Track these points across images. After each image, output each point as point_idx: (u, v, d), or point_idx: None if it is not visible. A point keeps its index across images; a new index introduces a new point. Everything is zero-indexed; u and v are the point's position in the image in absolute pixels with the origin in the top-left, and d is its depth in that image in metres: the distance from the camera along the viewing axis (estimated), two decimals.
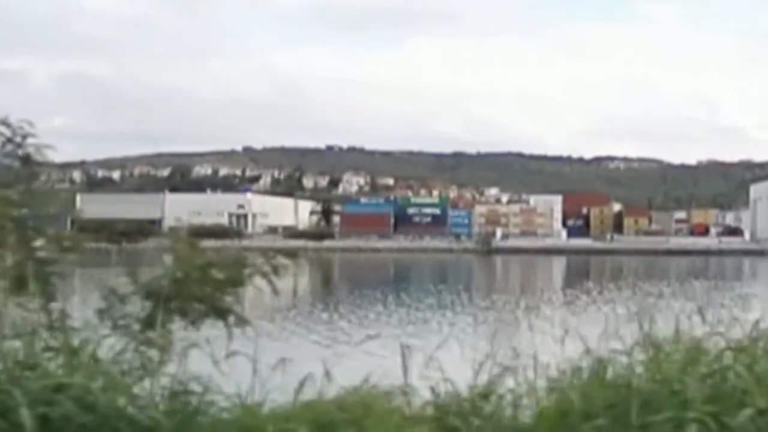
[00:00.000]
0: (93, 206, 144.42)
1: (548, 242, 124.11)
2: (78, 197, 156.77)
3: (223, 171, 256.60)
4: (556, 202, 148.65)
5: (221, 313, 5.29)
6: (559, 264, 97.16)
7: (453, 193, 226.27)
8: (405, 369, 4.26)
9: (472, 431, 3.58)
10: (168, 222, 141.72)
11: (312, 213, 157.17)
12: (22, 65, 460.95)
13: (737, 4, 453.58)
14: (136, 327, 4.94)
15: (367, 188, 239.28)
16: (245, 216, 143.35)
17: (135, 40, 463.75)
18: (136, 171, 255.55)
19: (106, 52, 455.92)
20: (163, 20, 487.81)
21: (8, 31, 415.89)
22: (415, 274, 72.26)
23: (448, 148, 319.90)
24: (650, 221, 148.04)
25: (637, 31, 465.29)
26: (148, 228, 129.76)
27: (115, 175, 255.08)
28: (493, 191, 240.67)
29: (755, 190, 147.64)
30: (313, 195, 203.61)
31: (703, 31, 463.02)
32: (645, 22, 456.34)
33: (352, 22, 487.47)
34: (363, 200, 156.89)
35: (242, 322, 5.33)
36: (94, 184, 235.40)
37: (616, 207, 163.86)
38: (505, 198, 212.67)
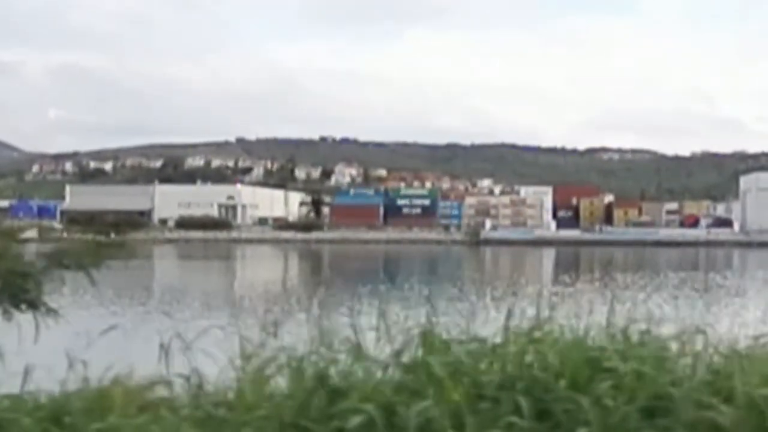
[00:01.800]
0: (83, 198, 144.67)
1: (537, 233, 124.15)
2: (68, 189, 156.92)
3: (216, 162, 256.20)
4: (546, 193, 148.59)
5: (30, 304, 5.32)
6: (546, 256, 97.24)
7: (446, 184, 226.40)
8: (166, 358, 4.22)
9: (179, 419, 3.56)
10: (158, 213, 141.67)
11: (302, 204, 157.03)
12: (17, 57, 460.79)
13: (736, 1, 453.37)
14: None
15: (359, 180, 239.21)
16: (235, 207, 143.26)
17: (130, 32, 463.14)
18: (129, 162, 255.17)
19: (101, 44, 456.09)
20: (158, 12, 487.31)
21: (3, 23, 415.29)
22: (393, 265, 72.23)
23: (442, 140, 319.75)
24: (640, 212, 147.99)
25: (637, 25, 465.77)
26: (137, 219, 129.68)
27: (108, 166, 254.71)
28: (486, 183, 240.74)
29: (745, 181, 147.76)
30: (306, 186, 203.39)
31: (702, 25, 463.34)
32: (645, 16, 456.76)
33: (349, 14, 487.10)
34: (352, 191, 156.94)
35: (51, 312, 5.38)
36: (87, 176, 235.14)
37: (609, 198, 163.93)
38: (498, 189, 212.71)
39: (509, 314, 4.23)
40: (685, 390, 3.40)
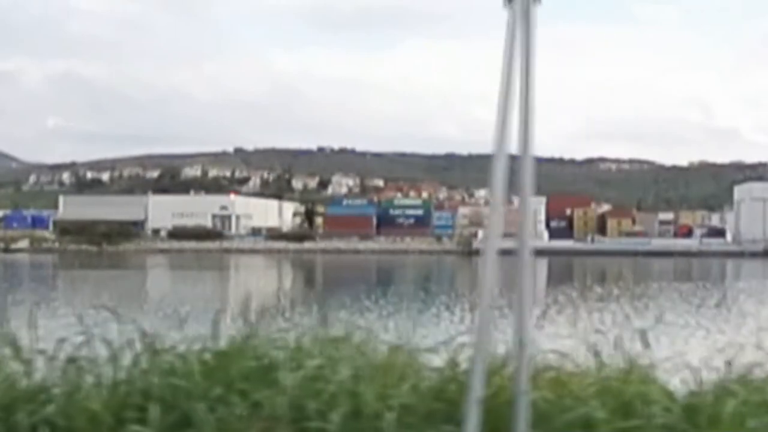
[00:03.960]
0: (77, 208, 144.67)
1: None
2: (61, 199, 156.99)
3: (213, 172, 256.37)
4: (540, 203, 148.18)
5: None
6: (537, 266, 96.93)
7: (443, 194, 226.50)
8: None
9: None
10: (152, 223, 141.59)
11: (295, 214, 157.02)
12: (15, 66, 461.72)
13: (732, 9, 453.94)
14: None
15: (357, 190, 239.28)
16: (228, 218, 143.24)
17: (129, 41, 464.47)
18: (126, 172, 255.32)
19: (99, 52, 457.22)
20: (157, 21, 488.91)
21: (1, 32, 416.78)
22: (378, 276, 72.04)
23: (440, 150, 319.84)
24: (634, 222, 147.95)
25: (633, 33, 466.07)
26: (129, 230, 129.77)
27: (105, 176, 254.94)
28: (483, 193, 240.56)
29: (739, 191, 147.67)
30: (302, 197, 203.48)
31: (698, 34, 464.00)
32: (641, 24, 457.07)
33: (346, 23, 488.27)
34: (346, 202, 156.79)
35: None
36: (84, 186, 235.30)
37: (605, 208, 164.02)
38: None
39: (215, 325, 4.29)
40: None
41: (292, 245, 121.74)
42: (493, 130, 3.89)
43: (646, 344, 4.20)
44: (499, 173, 3.86)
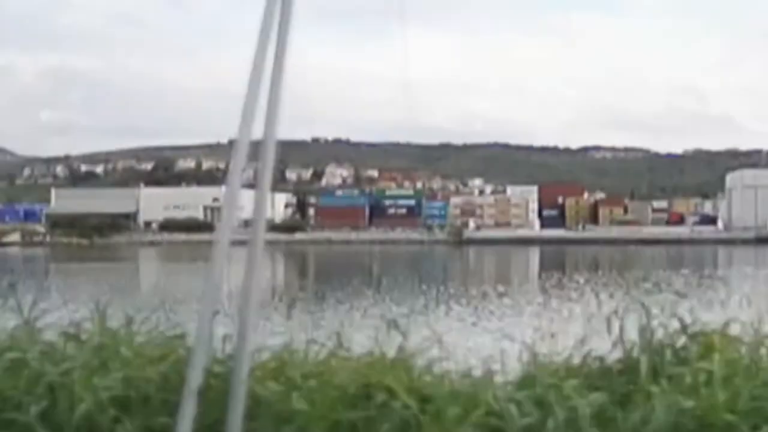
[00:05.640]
0: (69, 201, 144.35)
1: (520, 233, 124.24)
2: (53, 192, 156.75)
3: (207, 164, 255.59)
4: (532, 192, 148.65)
5: None
6: (527, 255, 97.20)
7: (437, 184, 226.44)
8: None
9: None
10: (144, 216, 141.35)
11: (287, 205, 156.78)
12: (8, 60, 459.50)
13: None
14: None
15: (351, 180, 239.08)
16: (220, 209, 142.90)
17: (122, 33, 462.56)
18: (120, 165, 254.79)
19: (93, 45, 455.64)
20: (149, 12, 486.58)
21: None
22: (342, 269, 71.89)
23: (435, 140, 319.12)
24: (625, 211, 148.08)
25: (628, 23, 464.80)
26: (120, 222, 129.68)
27: (99, 169, 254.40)
28: (477, 182, 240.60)
29: (731, 179, 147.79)
30: (296, 187, 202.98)
31: (693, 21, 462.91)
32: (636, 13, 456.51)
33: (341, 12, 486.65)
34: (338, 192, 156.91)
35: None
36: (78, 179, 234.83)
37: (600, 196, 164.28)
38: (489, 189, 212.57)
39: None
40: None
41: (284, 236, 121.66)
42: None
43: (402, 334, 4.15)
44: (240, 161, 3.82)
